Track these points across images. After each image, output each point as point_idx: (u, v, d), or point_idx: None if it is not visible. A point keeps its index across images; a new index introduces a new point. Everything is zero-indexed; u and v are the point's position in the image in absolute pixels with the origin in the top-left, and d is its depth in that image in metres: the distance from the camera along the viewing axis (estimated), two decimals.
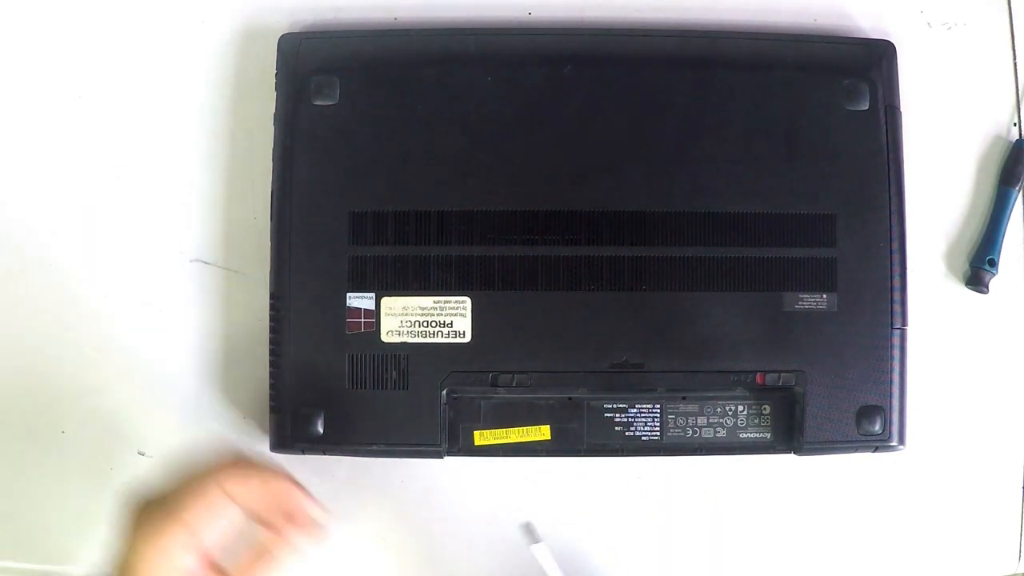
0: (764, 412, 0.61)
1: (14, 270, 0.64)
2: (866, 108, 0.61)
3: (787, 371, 0.60)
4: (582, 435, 0.60)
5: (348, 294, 0.59)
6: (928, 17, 0.66)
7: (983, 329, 0.65)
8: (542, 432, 0.60)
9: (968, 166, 0.65)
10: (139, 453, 0.63)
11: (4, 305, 0.64)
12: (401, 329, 0.59)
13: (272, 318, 0.60)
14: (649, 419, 0.61)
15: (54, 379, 0.63)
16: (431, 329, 0.59)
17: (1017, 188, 0.65)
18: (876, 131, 0.61)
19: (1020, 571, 0.65)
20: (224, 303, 0.64)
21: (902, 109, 0.62)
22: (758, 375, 0.60)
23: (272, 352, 0.59)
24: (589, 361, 0.59)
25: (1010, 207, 0.65)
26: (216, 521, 0.51)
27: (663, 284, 0.60)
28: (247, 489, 0.52)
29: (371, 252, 0.59)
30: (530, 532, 0.58)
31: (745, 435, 0.61)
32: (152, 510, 0.51)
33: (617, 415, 0.61)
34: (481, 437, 0.60)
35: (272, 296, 0.60)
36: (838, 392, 0.60)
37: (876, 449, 0.60)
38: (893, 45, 0.63)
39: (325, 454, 0.60)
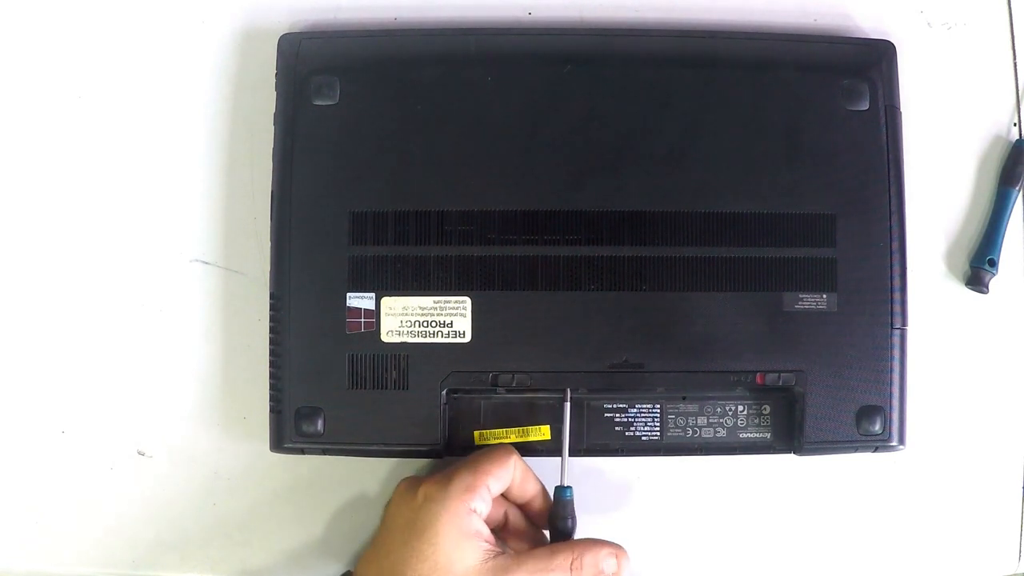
0: (764, 412, 0.61)
1: (14, 270, 0.64)
2: (866, 108, 0.61)
3: (787, 371, 0.60)
4: (582, 435, 0.60)
5: (348, 294, 0.59)
6: (928, 17, 0.66)
7: (983, 329, 0.65)
8: (542, 432, 0.60)
9: (968, 166, 0.65)
10: (139, 453, 0.63)
11: (4, 305, 0.64)
12: (401, 329, 0.59)
13: (272, 318, 0.60)
14: (649, 419, 0.61)
15: (54, 379, 0.63)
16: (431, 329, 0.59)
17: (1017, 188, 0.65)
18: (876, 131, 0.61)
19: (1020, 571, 0.65)
20: (224, 303, 0.64)
21: (902, 109, 0.62)
22: (758, 375, 0.60)
23: (272, 352, 0.59)
24: (589, 361, 0.59)
25: (1010, 207, 0.65)
26: (505, 479, 0.57)
27: (663, 284, 0.59)
28: (523, 479, 0.58)
29: (371, 252, 0.59)
30: None
31: (745, 435, 0.61)
32: (444, 477, 0.57)
33: (617, 415, 0.61)
34: (481, 437, 0.60)
35: (272, 296, 0.60)
36: (838, 392, 0.60)
37: (876, 449, 0.60)
38: (893, 45, 0.63)
39: (325, 454, 0.60)
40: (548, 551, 0.56)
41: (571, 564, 0.55)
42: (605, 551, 0.56)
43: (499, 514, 0.59)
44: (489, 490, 0.56)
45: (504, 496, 0.59)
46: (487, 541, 0.56)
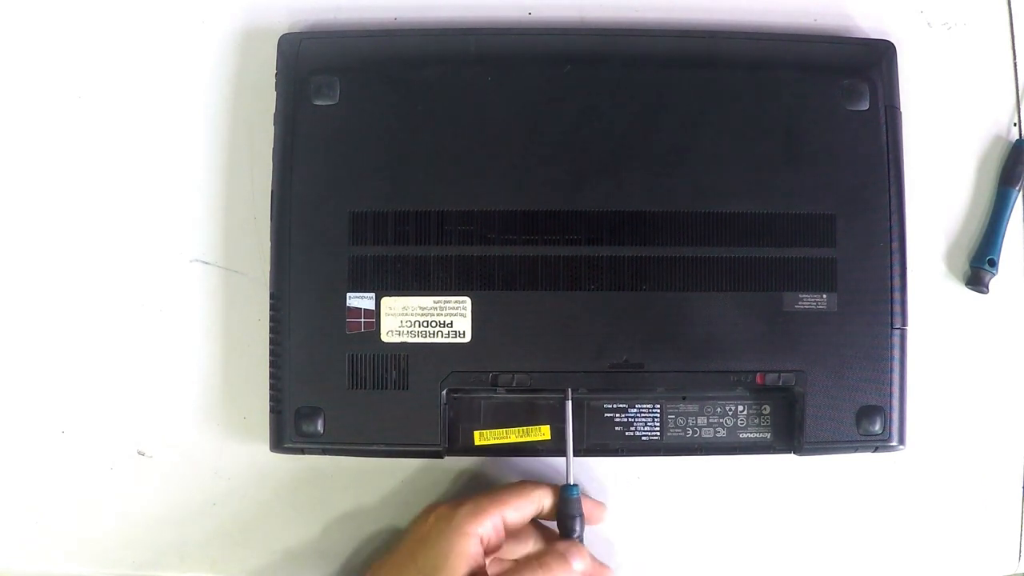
0: (764, 412, 0.61)
1: (14, 270, 0.64)
2: (866, 108, 0.61)
3: (787, 371, 0.60)
4: (582, 435, 0.60)
5: (348, 294, 0.59)
6: (928, 17, 0.66)
7: (983, 329, 0.65)
8: (542, 432, 0.60)
9: (968, 166, 0.65)
10: (139, 453, 0.63)
11: (4, 305, 0.64)
12: (401, 329, 0.59)
13: (272, 318, 0.60)
14: (649, 419, 0.61)
15: (54, 379, 0.63)
16: (431, 329, 0.59)
17: (1017, 188, 0.65)
18: (876, 131, 0.61)
19: (1020, 571, 0.65)
20: (224, 303, 0.64)
21: (902, 109, 0.62)
22: (758, 375, 0.60)
23: (272, 352, 0.59)
24: (589, 361, 0.59)
25: (1010, 207, 0.65)
26: (525, 510, 0.58)
27: (663, 284, 0.59)
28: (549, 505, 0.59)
29: (371, 252, 0.59)
30: None
31: (745, 435, 0.61)
32: (461, 500, 0.58)
33: (617, 415, 0.61)
34: (481, 437, 0.60)
35: (272, 296, 0.60)
36: (838, 392, 0.60)
37: (876, 449, 0.60)
38: (893, 45, 0.63)
39: (325, 454, 0.60)
40: (513, 567, 0.57)
41: (536, 570, 0.56)
42: (563, 546, 0.57)
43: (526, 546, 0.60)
44: (504, 519, 0.57)
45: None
46: (476, 568, 0.56)
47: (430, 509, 0.59)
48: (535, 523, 0.60)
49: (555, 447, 0.60)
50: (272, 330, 0.59)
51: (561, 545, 0.57)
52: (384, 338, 0.59)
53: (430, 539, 0.57)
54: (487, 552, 0.57)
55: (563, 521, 0.58)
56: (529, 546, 0.59)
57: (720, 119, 0.61)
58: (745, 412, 0.61)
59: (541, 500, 0.59)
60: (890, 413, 0.60)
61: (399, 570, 0.57)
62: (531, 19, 0.65)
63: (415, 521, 0.60)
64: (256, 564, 0.63)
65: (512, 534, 0.59)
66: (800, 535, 0.64)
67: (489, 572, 0.56)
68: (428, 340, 0.59)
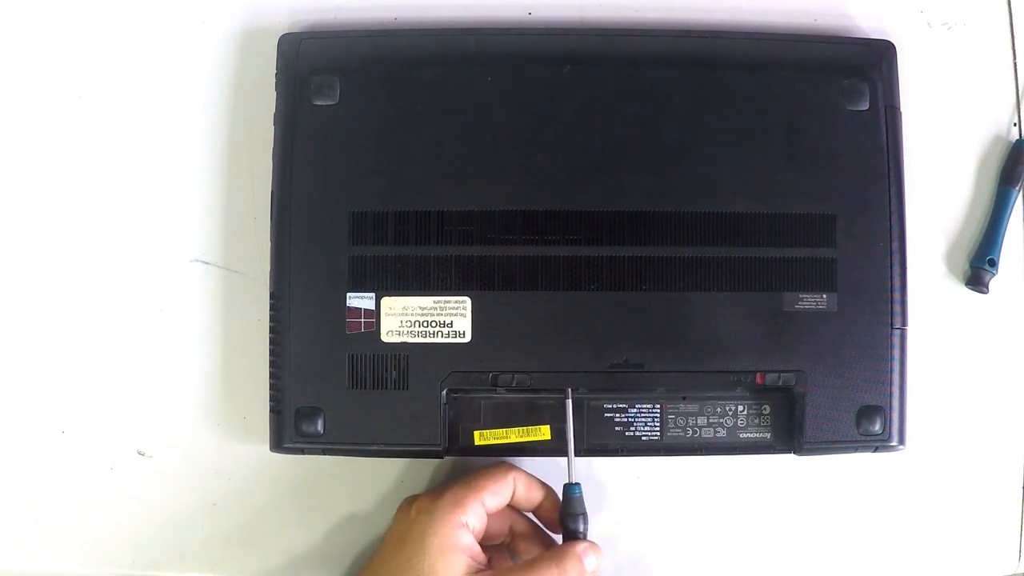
0: (764, 412, 0.61)
1: (14, 270, 0.64)
2: (866, 108, 0.61)
3: (787, 371, 0.60)
4: (582, 435, 0.60)
5: (348, 294, 0.59)
6: (928, 17, 0.66)
7: (983, 329, 0.65)
8: (542, 432, 0.60)
9: (968, 166, 0.65)
10: (139, 453, 0.63)
11: (4, 305, 0.64)
12: (401, 329, 0.59)
13: (272, 318, 0.60)
14: (649, 419, 0.61)
15: (54, 379, 0.63)
16: (431, 329, 0.59)
17: (1017, 188, 0.65)
18: (876, 131, 0.61)
19: (1020, 571, 0.65)
20: (224, 303, 0.64)
21: (902, 109, 0.62)
22: (758, 375, 0.60)
23: (272, 352, 0.59)
24: (589, 361, 0.59)
25: (1010, 207, 0.65)
26: (502, 494, 0.58)
27: (663, 284, 0.59)
28: (527, 489, 0.59)
29: (371, 252, 0.59)
30: None
31: (745, 435, 0.61)
32: (439, 492, 0.58)
33: (617, 415, 0.61)
34: (481, 437, 0.60)
35: (272, 296, 0.60)
36: (838, 392, 0.60)
37: (876, 449, 0.60)
38: (893, 45, 0.63)
39: (325, 454, 0.60)
40: (528, 564, 0.56)
41: (552, 570, 0.55)
42: (581, 548, 0.57)
43: (503, 527, 0.60)
44: (484, 505, 0.57)
45: (513, 507, 0.59)
46: (473, 557, 0.56)
47: (409, 502, 0.59)
48: (510, 506, 0.60)
49: (555, 447, 0.60)
50: (272, 330, 0.59)
51: (580, 546, 0.57)
52: (384, 338, 0.59)
53: (414, 534, 0.56)
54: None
55: (566, 521, 0.58)
56: (507, 529, 0.59)
57: (720, 119, 0.61)
58: (745, 412, 0.61)
59: (515, 482, 0.58)
60: (890, 413, 0.60)
61: (390, 571, 0.56)
62: (531, 19, 0.65)
63: (396, 518, 0.60)
64: (256, 564, 0.63)
65: (491, 518, 0.59)
66: (800, 535, 0.64)
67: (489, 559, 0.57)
68: (428, 340, 0.59)
